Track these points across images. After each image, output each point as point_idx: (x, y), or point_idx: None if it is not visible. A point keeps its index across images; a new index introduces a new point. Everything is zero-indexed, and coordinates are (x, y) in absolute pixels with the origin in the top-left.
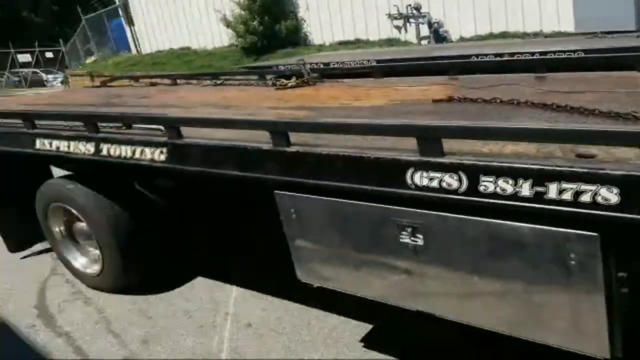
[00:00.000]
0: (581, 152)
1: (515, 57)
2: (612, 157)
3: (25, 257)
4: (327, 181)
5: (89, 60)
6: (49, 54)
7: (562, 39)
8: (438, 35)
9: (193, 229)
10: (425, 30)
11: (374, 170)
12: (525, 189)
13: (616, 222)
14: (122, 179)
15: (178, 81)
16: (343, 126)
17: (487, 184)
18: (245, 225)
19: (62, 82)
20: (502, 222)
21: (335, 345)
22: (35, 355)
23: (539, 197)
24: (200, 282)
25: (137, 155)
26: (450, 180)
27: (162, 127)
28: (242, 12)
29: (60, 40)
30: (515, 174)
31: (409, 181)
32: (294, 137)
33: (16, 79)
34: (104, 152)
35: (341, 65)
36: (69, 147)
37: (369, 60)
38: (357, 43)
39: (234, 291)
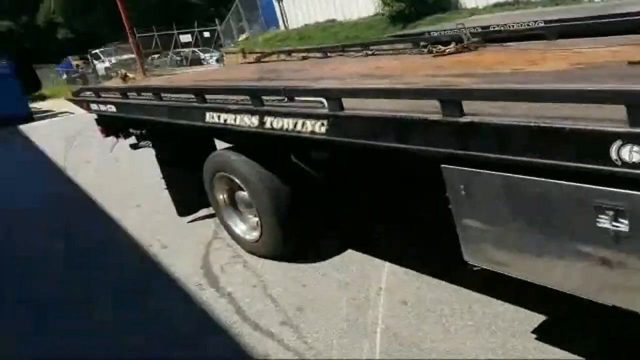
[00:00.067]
0: None
1: None
2: None
3: (191, 221)
4: (506, 155)
5: (241, 37)
6: (206, 34)
7: None
8: None
9: (347, 201)
10: None
11: (568, 143)
12: None
13: None
14: (280, 151)
15: (329, 53)
16: (532, 93)
17: None
18: (403, 200)
19: (216, 60)
20: None
21: (503, 333)
22: (201, 312)
23: None
24: (352, 254)
25: (298, 127)
26: None
27: (323, 100)
28: None
29: (216, 20)
30: None
31: (614, 156)
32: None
33: (178, 58)
34: (267, 125)
35: (505, 28)
36: (235, 120)
37: (536, 22)
38: (515, 4)
39: (386, 266)
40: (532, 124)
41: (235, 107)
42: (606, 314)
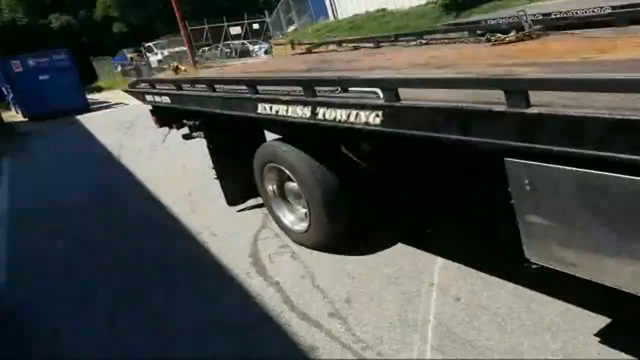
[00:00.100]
0: None
1: None
2: None
3: (240, 210)
4: (579, 149)
5: (290, 29)
6: (255, 26)
7: None
8: None
9: (398, 194)
10: None
11: None
12: None
13: None
14: (330, 142)
15: (381, 43)
16: (608, 82)
17: None
18: (459, 194)
19: (265, 52)
20: None
21: (564, 334)
22: (249, 299)
23: None
24: (402, 248)
25: (351, 118)
26: None
27: (378, 90)
28: None
29: (265, 12)
30: None
31: None
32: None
33: (227, 50)
34: (320, 116)
35: (569, 15)
36: (287, 111)
37: (602, 7)
38: None
39: (439, 262)
40: (606, 116)
41: (287, 98)
42: None
